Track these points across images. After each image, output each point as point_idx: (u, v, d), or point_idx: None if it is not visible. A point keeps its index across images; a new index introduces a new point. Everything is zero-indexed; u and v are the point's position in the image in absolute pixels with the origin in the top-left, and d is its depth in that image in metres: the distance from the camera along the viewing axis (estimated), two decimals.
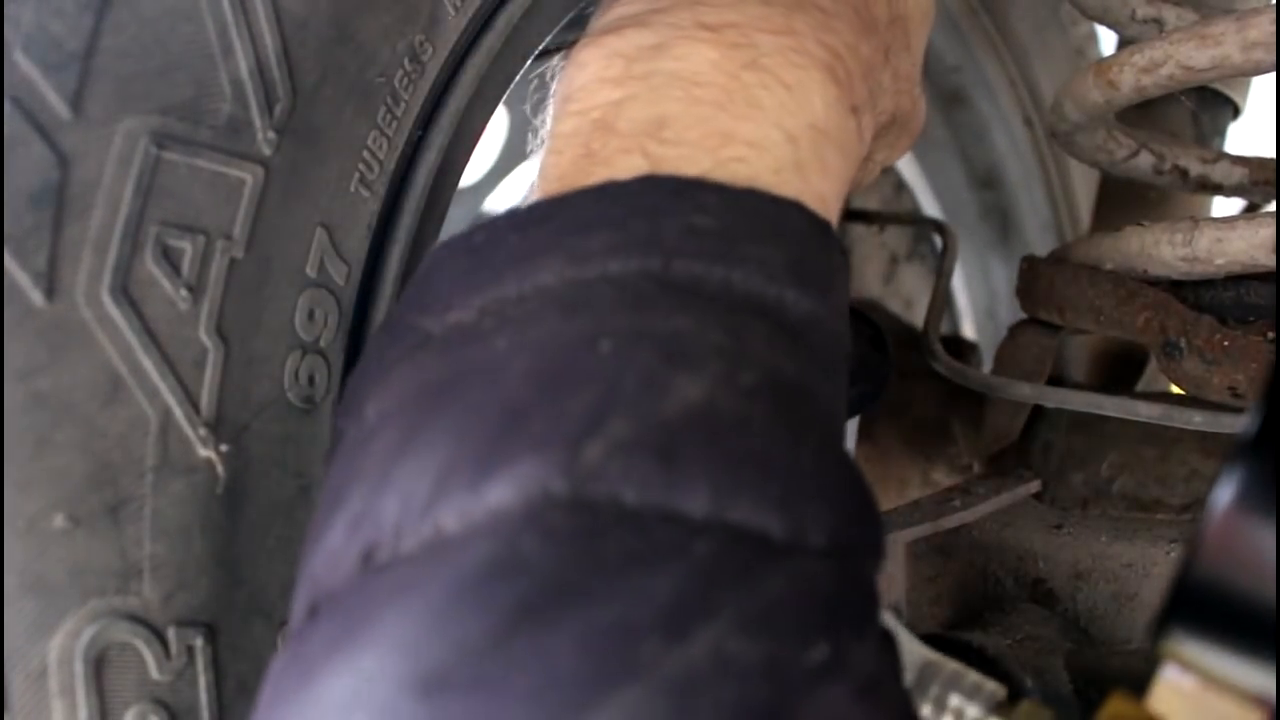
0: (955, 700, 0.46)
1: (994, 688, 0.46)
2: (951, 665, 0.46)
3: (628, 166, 0.46)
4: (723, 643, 0.34)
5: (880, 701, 0.36)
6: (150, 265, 0.45)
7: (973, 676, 0.46)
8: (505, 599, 0.35)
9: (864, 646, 0.37)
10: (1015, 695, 0.47)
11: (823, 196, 0.49)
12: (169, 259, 0.46)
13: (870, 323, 0.83)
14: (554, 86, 0.55)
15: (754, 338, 0.41)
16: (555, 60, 0.57)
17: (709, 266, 0.42)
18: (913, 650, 0.46)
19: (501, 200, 1.28)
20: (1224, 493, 0.33)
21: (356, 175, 0.54)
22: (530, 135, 0.60)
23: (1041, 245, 1.22)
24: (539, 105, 0.58)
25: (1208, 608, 0.34)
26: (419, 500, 0.37)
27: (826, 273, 0.45)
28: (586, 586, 0.35)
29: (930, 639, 0.67)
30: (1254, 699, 0.35)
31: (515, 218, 0.45)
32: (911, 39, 0.59)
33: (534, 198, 0.48)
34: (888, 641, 0.39)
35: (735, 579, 0.35)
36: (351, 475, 0.41)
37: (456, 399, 0.40)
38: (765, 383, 0.40)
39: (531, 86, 0.61)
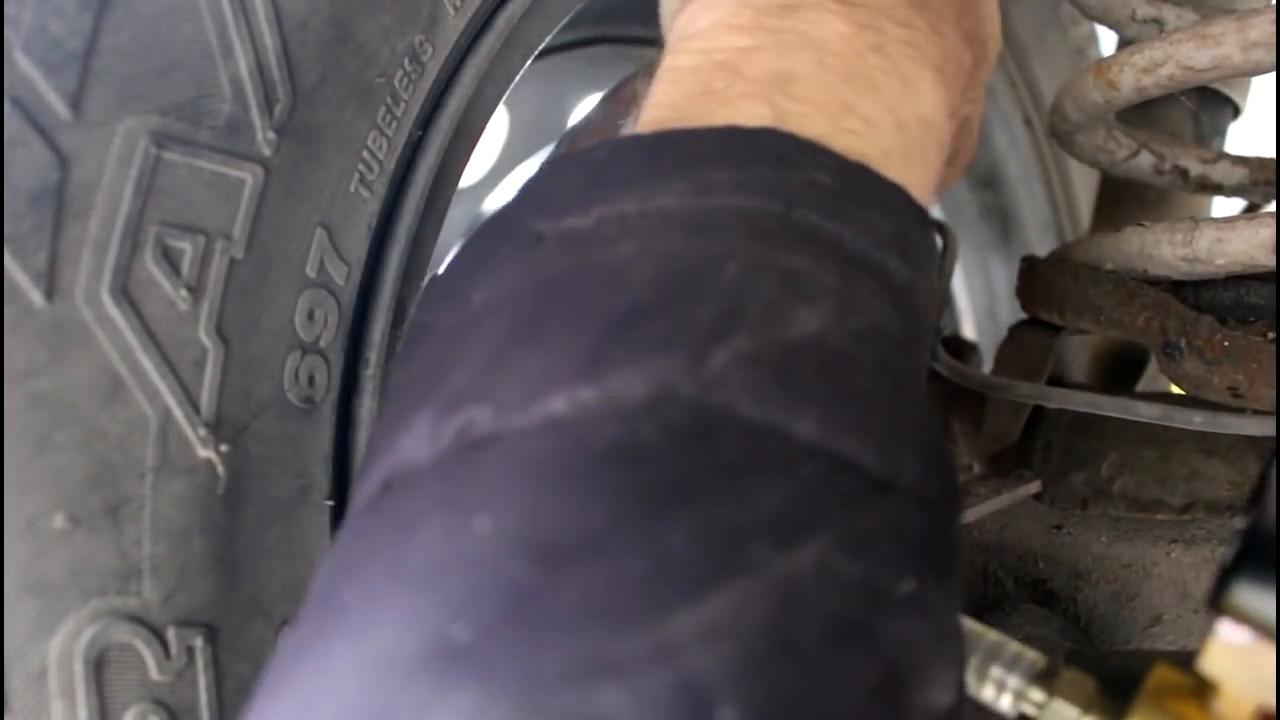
0: (996, 671, 0.46)
1: (1035, 657, 0.46)
2: (992, 635, 0.46)
3: (751, 113, 0.48)
4: (826, 557, 0.35)
5: (949, 652, 0.37)
6: (150, 265, 0.45)
7: (1013, 646, 0.46)
8: (625, 483, 0.35)
9: (944, 596, 0.38)
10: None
11: (922, 187, 0.51)
12: (169, 259, 0.46)
13: None
14: (671, 22, 0.56)
15: (863, 290, 0.42)
16: None
17: (824, 220, 0.43)
18: None
19: (502, 200, 1.28)
20: None
21: (356, 175, 0.54)
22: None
23: (1041, 245, 1.22)
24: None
25: (1272, 556, 0.35)
26: (531, 381, 0.38)
27: (923, 253, 0.47)
28: (702, 483, 0.36)
29: None
30: None
31: (640, 140, 0.47)
32: (989, 56, 0.61)
33: (641, 120, 0.50)
34: (958, 607, 0.40)
35: (838, 503, 0.37)
36: (451, 357, 0.41)
37: (579, 293, 0.41)
38: (871, 331, 0.41)
39: None
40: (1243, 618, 0.37)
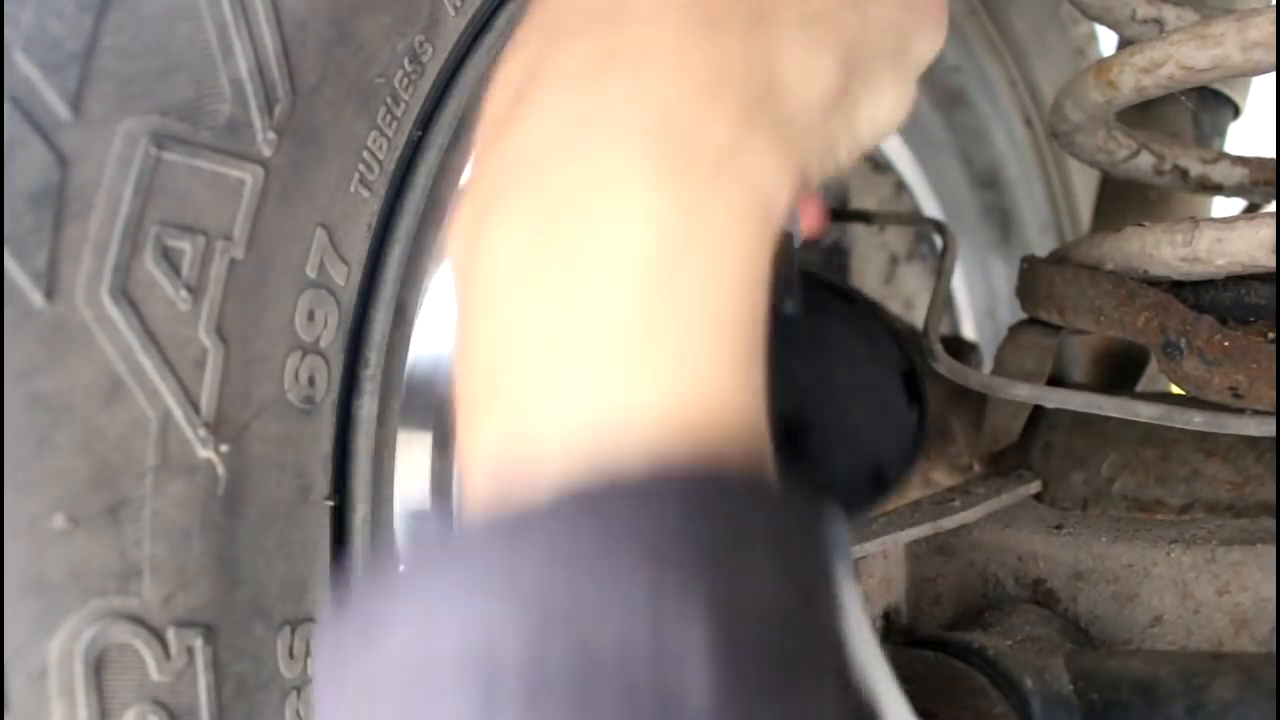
0: None
1: None
2: None
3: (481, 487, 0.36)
4: None
5: None
6: (150, 265, 0.45)
7: None
8: None
9: None
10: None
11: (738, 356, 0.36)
12: (169, 259, 0.46)
13: (908, 360, 0.80)
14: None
15: None
16: None
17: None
18: None
19: None
20: None
21: (356, 175, 0.54)
22: None
23: (1041, 245, 1.22)
24: None
25: None
26: None
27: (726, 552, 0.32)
28: None
29: (930, 640, 0.67)
30: None
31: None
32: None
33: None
34: None
35: None
36: None
37: None
38: None
39: None
40: None
